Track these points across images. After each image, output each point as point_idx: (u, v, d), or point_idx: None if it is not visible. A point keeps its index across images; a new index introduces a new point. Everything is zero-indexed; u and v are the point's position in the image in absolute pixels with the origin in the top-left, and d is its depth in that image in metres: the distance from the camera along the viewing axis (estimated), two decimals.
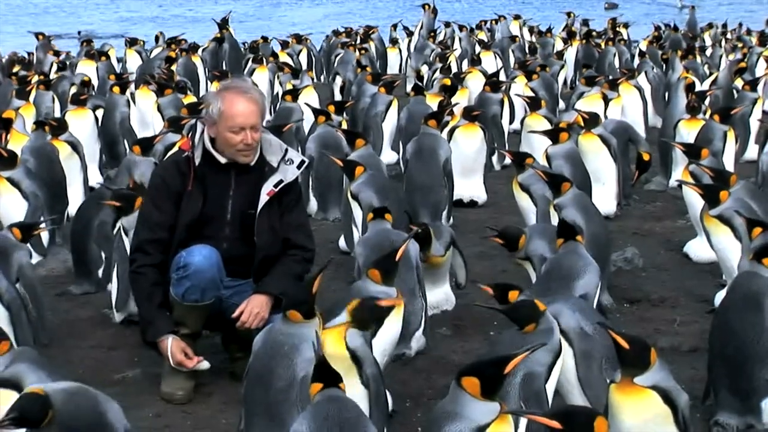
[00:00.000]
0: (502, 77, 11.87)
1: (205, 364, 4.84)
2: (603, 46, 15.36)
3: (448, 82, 10.54)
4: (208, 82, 13.04)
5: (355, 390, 3.67)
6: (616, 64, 14.48)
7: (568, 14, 20.74)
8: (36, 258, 6.63)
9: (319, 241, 5.92)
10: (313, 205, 8.12)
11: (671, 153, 8.54)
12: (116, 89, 9.96)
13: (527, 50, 16.13)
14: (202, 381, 4.91)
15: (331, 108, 8.91)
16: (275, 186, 4.86)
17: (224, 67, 14.62)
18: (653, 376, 3.58)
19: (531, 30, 19.38)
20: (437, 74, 12.25)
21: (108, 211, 6.21)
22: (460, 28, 18.38)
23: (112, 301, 5.81)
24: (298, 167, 4.92)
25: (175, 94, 9.97)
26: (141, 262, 4.86)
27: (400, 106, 9.75)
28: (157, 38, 17.13)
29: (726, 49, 16.44)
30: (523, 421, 3.69)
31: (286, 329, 3.89)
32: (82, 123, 8.87)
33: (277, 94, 12.50)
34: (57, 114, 9.98)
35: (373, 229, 5.48)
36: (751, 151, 9.25)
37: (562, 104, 11.78)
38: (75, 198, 7.71)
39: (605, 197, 7.75)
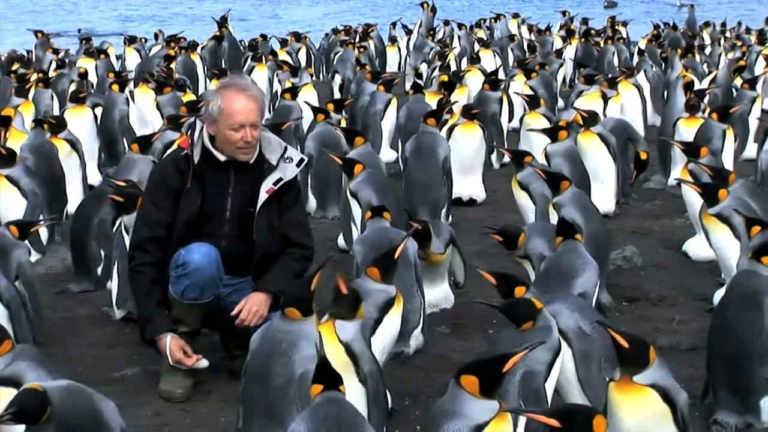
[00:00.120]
0: (501, 75, 11.87)
1: (203, 362, 4.84)
2: (602, 44, 15.36)
3: (445, 78, 10.54)
4: (207, 81, 13.03)
5: (352, 388, 3.67)
6: (615, 62, 14.49)
7: (563, 13, 20.76)
8: (35, 256, 6.63)
9: (318, 239, 5.92)
10: (312, 203, 8.12)
11: (670, 151, 8.54)
12: (115, 87, 9.96)
13: (526, 49, 16.13)
14: (200, 379, 4.91)
15: (330, 106, 8.91)
16: (274, 184, 4.86)
17: (223, 66, 14.61)
18: (652, 374, 3.58)
19: (530, 28, 19.39)
20: (436, 72, 12.26)
21: (107, 209, 6.21)
22: (459, 26, 18.41)
23: (113, 298, 5.81)
24: (298, 165, 4.92)
25: (174, 92, 9.97)
26: (140, 260, 4.86)
27: (399, 105, 9.75)
28: (156, 36, 17.12)
29: (725, 47, 16.45)
30: (522, 420, 3.69)
31: (284, 327, 3.88)
32: (81, 121, 8.87)
33: (276, 92, 12.50)
34: (56, 112, 9.98)
35: (371, 227, 5.48)
36: (750, 150, 9.25)
37: (561, 103, 11.77)
38: (74, 196, 7.72)
39: (604, 196, 7.76)
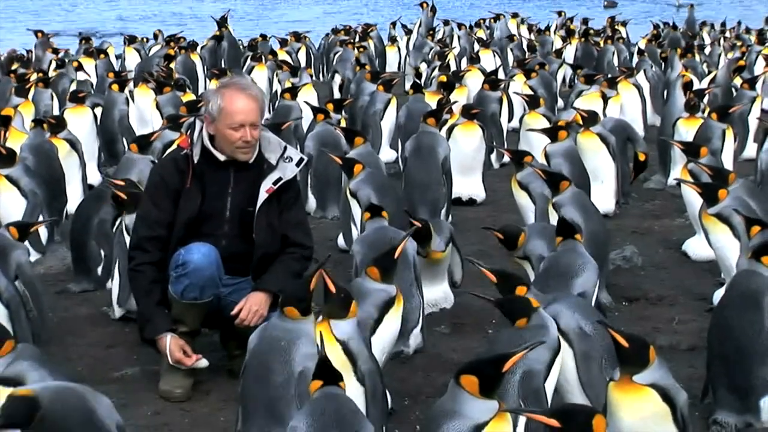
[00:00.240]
0: (501, 75, 11.87)
1: (203, 362, 4.84)
2: (602, 44, 15.36)
3: (444, 78, 10.54)
4: (207, 80, 13.04)
5: (350, 387, 3.67)
6: (615, 62, 14.48)
7: (559, 13, 20.77)
8: (35, 256, 6.62)
9: (317, 239, 5.92)
10: (311, 203, 8.12)
11: (670, 151, 8.54)
12: (115, 87, 9.96)
13: (526, 48, 16.14)
14: (200, 379, 4.91)
15: (330, 106, 8.91)
16: (274, 183, 4.86)
17: (223, 65, 14.62)
18: (652, 374, 3.59)
19: (530, 28, 19.39)
20: (436, 72, 12.25)
21: (107, 209, 6.21)
22: (459, 26, 18.40)
23: (114, 297, 5.82)
24: (297, 165, 4.92)
25: (173, 92, 9.98)
26: (140, 260, 4.87)
27: (399, 104, 9.75)
28: (156, 36, 17.12)
29: (725, 47, 16.45)
30: (521, 420, 3.69)
31: (282, 325, 3.88)
32: (81, 121, 8.87)
33: (276, 92, 12.50)
34: (56, 112, 9.97)
35: (370, 227, 5.48)
36: (750, 150, 9.25)
37: (561, 102, 11.77)
38: (74, 196, 7.71)
39: (604, 195, 7.76)
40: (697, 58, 13.86)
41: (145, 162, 6.95)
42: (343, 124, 8.99)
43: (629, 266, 6.67)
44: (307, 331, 3.85)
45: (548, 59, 13.88)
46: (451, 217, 7.58)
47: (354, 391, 3.74)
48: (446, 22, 19.25)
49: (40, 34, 16.61)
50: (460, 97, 10.20)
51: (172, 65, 12.64)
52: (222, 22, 16.10)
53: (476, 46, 16.04)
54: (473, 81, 11.57)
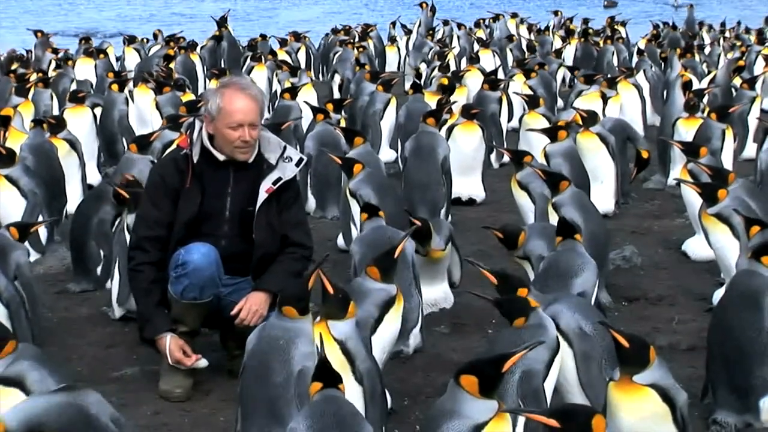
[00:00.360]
0: (501, 75, 11.87)
1: (203, 362, 4.84)
2: (601, 44, 15.36)
3: (446, 81, 10.53)
4: (207, 80, 13.04)
5: (349, 387, 3.66)
6: (615, 62, 14.48)
7: (555, 13, 20.76)
8: (34, 256, 6.63)
9: (317, 239, 5.92)
10: (311, 203, 8.12)
11: (670, 151, 8.54)
12: (115, 87, 9.95)
13: (525, 48, 16.14)
14: (200, 379, 4.91)
15: (330, 106, 8.91)
16: (274, 183, 4.86)
17: (223, 65, 14.62)
18: (652, 374, 3.59)
19: (529, 28, 19.39)
20: (436, 72, 12.25)
21: (107, 208, 6.22)
22: (459, 26, 18.40)
23: (113, 296, 5.81)
24: (297, 165, 4.92)
25: (173, 92, 9.97)
26: (139, 260, 4.87)
27: (399, 104, 9.75)
28: (155, 36, 17.12)
29: (724, 47, 16.45)
30: (521, 420, 3.69)
31: (281, 325, 3.88)
32: (81, 121, 8.87)
33: (276, 92, 12.49)
34: (55, 112, 9.97)
35: (368, 227, 5.48)
36: (750, 150, 9.25)
37: (560, 102, 11.78)
38: (73, 196, 7.71)
39: (603, 195, 7.76)
40: (697, 58, 13.87)
41: (144, 162, 6.95)
42: (342, 124, 8.99)
43: (629, 266, 6.67)
44: (306, 331, 3.84)
45: (548, 59, 13.88)
46: (450, 217, 7.57)
47: (353, 391, 3.73)
48: (446, 22, 19.25)
49: (39, 34, 16.62)
50: (459, 97, 10.20)
51: (172, 65, 12.65)
52: (222, 22, 16.10)
53: (476, 46, 16.04)
54: (473, 81, 11.57)
